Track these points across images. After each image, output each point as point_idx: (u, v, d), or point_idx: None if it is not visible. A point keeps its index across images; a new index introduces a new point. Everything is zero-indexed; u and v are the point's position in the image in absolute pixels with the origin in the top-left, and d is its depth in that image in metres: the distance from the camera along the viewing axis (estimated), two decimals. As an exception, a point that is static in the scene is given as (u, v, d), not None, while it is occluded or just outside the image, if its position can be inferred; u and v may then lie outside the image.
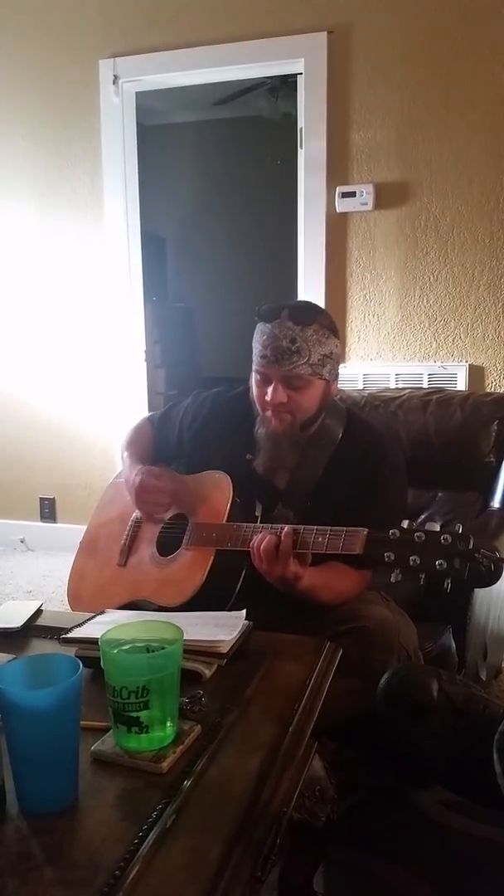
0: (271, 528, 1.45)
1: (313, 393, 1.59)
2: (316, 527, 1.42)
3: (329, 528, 1.40)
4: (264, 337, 1.57)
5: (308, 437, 1.64)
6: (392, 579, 1.31)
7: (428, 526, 1.31)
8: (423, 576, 1.28)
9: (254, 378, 1.63)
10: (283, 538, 1.40)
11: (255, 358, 1.60)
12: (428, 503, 2.07)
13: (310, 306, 1.66)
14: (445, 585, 1.27)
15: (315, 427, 1.64)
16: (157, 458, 1.83)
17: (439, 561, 1.26)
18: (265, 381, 1.59)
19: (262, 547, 1.41)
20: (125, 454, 1.81)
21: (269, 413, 1.60)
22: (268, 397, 1.57)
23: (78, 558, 1.79)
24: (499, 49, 2.82)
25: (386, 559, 1.30)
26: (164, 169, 5.41)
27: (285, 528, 1.42)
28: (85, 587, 1.72)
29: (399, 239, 3.05)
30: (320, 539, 1.40)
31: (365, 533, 1.36)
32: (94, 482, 3.54)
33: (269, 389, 1.57)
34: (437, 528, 1.30)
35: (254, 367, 1.62)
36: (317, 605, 1.50)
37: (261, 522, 1.54)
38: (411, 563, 1.28)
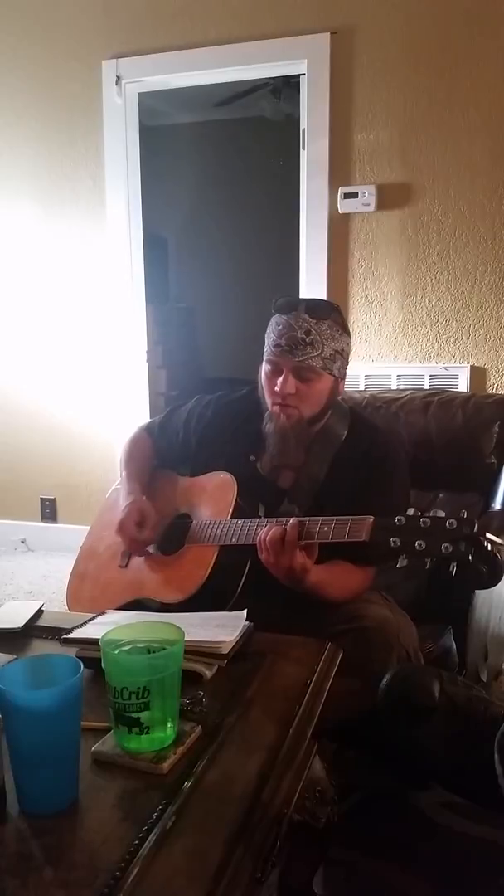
0: (276, 521, 1.46)
1: (321, 387, 1.60)
2: (321, 517, 1.43)
3: (335, 517, 1.41)
4: (279, 327, 1.58)
5: (313, 435, 1.64)
6: (398, 564, 1.32)
7: (432, 513, 1.32)
8: (430, 560, 1.29)
9: (264, 370, 1.64)
10: (288, 529, 1.41)
11: (268, 348, 1.61)
12: (429, 504, 2.06)
13: (326, 303, 1.67)
14: (451, 568, 1.28)
15: (320, 425, 1.65)
16: (160, 465, 1.84)
17: (445, 544, 1.27)
18: (276, 372, 1.60)
19: (268, 538, 1.42)
20: (123, 473, 1.81)
21: (276, 408, 1.61)
22: (277, 388, 1.58)
23: (78, 563, 1.79)
24: (502, 50, 2.81)
25: (392, 545, 1.31)
26: (166, 170, 5.40)
27: (291, 520, 1.43)
28: (85, 588, 1.73)
29: (401, 240, 3.05)
30: (326, 529, 1.41)
31: (371, 520, 1.36)
32: (96, 483, 3.54)
33: (279, 380, 1.58)
34: (442, 515, 1.31)
35: (265, 357, 1.62)
36: (323, 601, 1.51)
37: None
38: (417, 547, 1.29)
